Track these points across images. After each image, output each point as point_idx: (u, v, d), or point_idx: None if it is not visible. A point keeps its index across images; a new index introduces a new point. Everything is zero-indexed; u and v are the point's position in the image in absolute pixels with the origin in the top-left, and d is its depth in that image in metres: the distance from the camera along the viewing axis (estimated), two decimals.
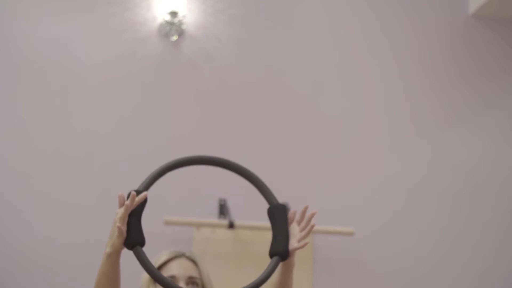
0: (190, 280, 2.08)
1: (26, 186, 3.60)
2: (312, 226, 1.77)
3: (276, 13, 4.05)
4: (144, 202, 1.68)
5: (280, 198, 3.75)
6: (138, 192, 1.67)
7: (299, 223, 1.80)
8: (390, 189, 3.93)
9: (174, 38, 3.85)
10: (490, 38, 4.22)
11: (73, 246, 3.55)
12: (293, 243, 1.76)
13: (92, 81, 3.78)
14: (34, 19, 3.79)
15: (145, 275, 2.08)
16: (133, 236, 1.64)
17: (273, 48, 4.01)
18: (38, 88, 3.72)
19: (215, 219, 3.65)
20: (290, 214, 1.81)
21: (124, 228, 1.64)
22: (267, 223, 3.37)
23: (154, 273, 1.64)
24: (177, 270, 2.09)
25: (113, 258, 1.69)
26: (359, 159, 3.92)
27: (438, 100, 4.10)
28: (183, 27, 3.87)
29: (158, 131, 3.78)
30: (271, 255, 1.77)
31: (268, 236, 3.31)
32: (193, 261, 2.11)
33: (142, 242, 1.65)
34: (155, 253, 2.09)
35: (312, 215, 1.79)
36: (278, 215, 1.80)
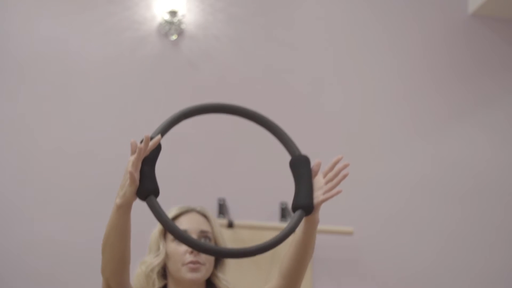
0: (202, 234, 1.94)
1: (26, 183, 3.60)
2: (345, 176, 1.61)
3: (275, 11, 4.05)
4: (158, 149, 1.56)
5: (279, 197, 3.78)
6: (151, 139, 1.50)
7: (325, 174, 1.66)
8: (389, 188, 3.92)
9: (174, 37, 3.85)
10: (490, 37, 4.22)
11: (73, 243, 3.55)
12: (318, 196, 1.64)
13: (91, 79, 3.78)
14: (34, 17, 3.78)
15: (155, 233, 1.96)
16: (146, 184, 1.48)
17: (272, 46, 4.01)
18: (38, 85, 3.71)
19: None
20: (314, 166, 1.67)
21: (137, 175, 1.50)
22: (266, 223, 3.37)
23: (169, 224, 1.49)
24: (188, 224, 1.94)
25: (123, 210, 1.55)
26: (358, 158, 3.91)
27: (438, 99, 4.09)
28: (183, 26, 3.86)
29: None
30: (294, 208, 1.62)
31: (267, 235, 3.31)
32: (204, 215, 1.98)
33: (156, 192, 1.50)
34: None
35: (345, 166, 1.63)
36: (301, 166, 1.65)
